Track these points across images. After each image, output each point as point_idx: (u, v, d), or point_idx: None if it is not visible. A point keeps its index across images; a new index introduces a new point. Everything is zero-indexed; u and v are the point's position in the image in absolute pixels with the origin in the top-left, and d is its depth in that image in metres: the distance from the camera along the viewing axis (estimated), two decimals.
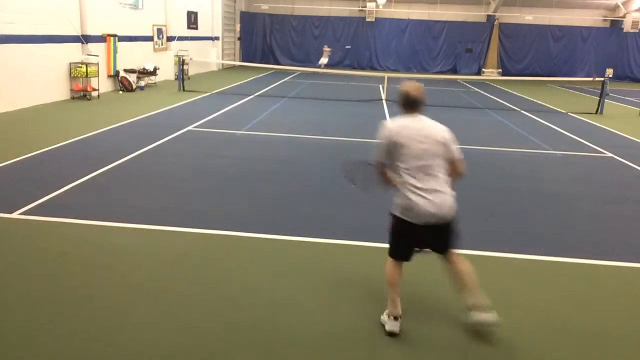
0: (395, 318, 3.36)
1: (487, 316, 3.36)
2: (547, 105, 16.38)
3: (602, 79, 15.28)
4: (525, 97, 18.49)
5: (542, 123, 12.60)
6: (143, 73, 15.90)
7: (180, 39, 19.44)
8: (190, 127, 9.91)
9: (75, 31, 12.93)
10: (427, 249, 3.50)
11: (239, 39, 27.97)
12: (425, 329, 3.49)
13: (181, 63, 15.87)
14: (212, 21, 23.42)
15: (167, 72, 18.47)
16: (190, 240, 4.77)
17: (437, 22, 28.42)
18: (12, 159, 7.13)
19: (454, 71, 28.66)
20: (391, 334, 3.34)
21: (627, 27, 27.47)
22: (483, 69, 28.68)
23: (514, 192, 6.75)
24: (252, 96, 15.00)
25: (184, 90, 15.39)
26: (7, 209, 5.26)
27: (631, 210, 6.23)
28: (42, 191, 5.81)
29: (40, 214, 5.20)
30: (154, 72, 16.37)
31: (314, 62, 28.43)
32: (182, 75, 15.84)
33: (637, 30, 27.52)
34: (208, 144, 8.73)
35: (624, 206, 6.39)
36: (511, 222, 5.65)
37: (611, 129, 12.14)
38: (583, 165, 8.48)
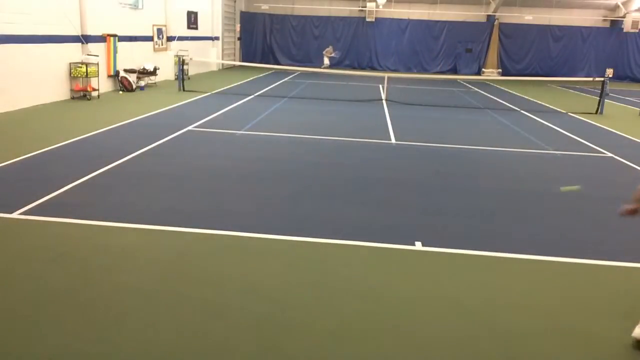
0: None
1: None
2: (547, 105, 16.38)
3: (602, 79, 15.27)
4: (525, 97, 18.50)
5: (542, 123, 12.60)
6: (143, 73, 15.90)
7: (180, 39, 19.44)
8: (190, 127, 9.91)
9: (75, 31, 12.93)
10: None
11: (239, 39, 27.96)
12: None
13: (181, 63, 15.87)
14: (212, 21, 23.41)
15: (167, 72, 18.47)
16: (190, 240, 4.77)
17: (437, 22, 28.42)
18: (12, 159, 7.13)
19: (454, 71, 28.67)
20: None
21: (627, 27, 27.46)
22: (483, 69, 28.68)
23: (514, 192, 6.75)
24: (252, 96, 15.00)
25: (184, 90, 15.39)
26: (7, 209, 5.26)
27: None
28: (42, 191, 5.81)
29: (40, 214, 5.20)
30: (154, 72, 16.36)
31: (314, 62, 28.46)
32: (182, 75, 15.84)
33: (637, 30, 27.51)
34: (208, 144, 8.73)
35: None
36: (511, 222, 5.65)
37: (611, 129, 12.15)
38: (583, 165, 8.48)
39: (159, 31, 17.98)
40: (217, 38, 24.00)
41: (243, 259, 4.43)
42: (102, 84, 13.87)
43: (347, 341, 3.32)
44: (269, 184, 6.63)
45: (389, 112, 13.03)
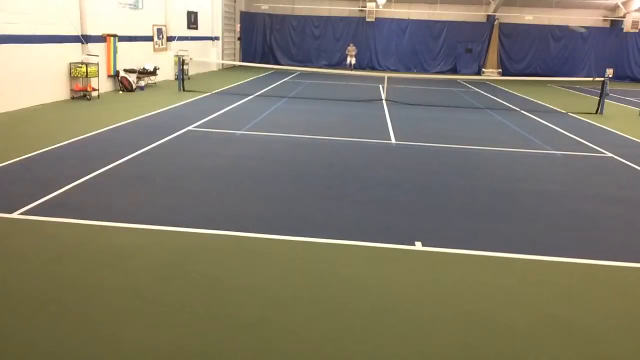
0: None
1: None
2: (547, 105, 16.38)
3: (602, 79, 15.28)
4: (525, 97, 18.50)
5: (542, 123, 12.60)
6: (143, 73, 15.90)
7: (180, 39, 19.44)
8: (190, 127, 9.91)
9: (75, 31, 12.93)
10: None
11: (239, 39, 27.97)
12: None
13: (181, 63, 15.86)
14: (212, 21, 23.42)
15: (167, 72, 18.47)
16: (190, 240, 4.77)
17: (437, 22, 28.43)
18: (12, 159, 7.13)
19: (454, 71, 28.67)
20: None
21: (627, 27, 27.46)
22: (483, 69, 28.69)
23: (514, 192, 6.75)
24: (252, 96, 15.00)
25: (184, 90, 15.39)
26: (7, 209, 5.26)
27: (631, 210, 6.23)
28: (42, 191, 5.81)
29: (40, 214, 5.20)
30: (154, 72, 16.36)
31: (314, 62, 28.46)
32: (182, 75, 15.84)
33: (637, 30, 27.51)
34: (208, 144, 8.73)
35: (624, 206, 6.39)
36: (511, 222, 5.65)
37: (611, 129, 12.15)
38: (583, 165, 8.48)
39: (159, 31, 17.98)
40: (217, 38, 24.00)
41: (243, 259, 4.43)
42: (102, 84, 13.87)
43: (347, 341, 3.32)
44: (269, 184, 6.63)
45: (389, 112, 13.03)
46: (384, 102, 15.16)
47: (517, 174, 7.75)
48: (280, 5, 28.41)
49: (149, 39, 17.21)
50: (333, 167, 7.58)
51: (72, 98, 12.83)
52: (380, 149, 8.94)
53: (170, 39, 18.78)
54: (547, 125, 12.25)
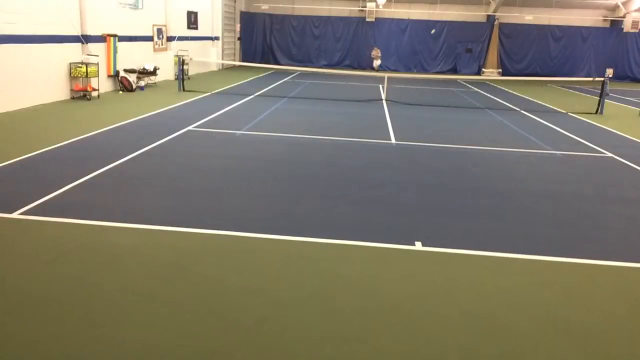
0: None
1: None
2: (547, 105, 16.38)
3: (602, 79, 15.27)
4: (525, 97, 18.50)
5: (542, 123, 12.60)
6: (143, 73, 15.90)
7: (180, 39, 19.44)
8: (190, 127, 9.91)
9: (75, 31, 12.93)
10: None
11: (239, 39, 27.97)
12: None
13: (181, 63, 15.86)
14: (212, 21, 23.41)
15: (167, 72, 18.47)
16: (190, 240, 4.77)
17: (437, 22, 28.42)
18: (12, 159, 7.13)
19: (454, 71, 28.67)
20: None
21: (627, 27, 27.47)
22: (483, 69, 28.68)
23: (514, 192, 6.75)
24: (252, 96, 15.00)
25: (184, 90, 15.39)
26: (7, 209, 5.26)
27: (631, 210, 6.23)
28: (42, 191, 5.81)
29: (40, 214, 5.20)
30: (154, 72, 16.36)
31: (314, 62, 28.46)
32: (182, 75, 15.84)
33: (637, 30, 27.52)
34: (208, 144, 8.73)
35: (624, 206, 6.39)
36: (511, 222, 5.65)
37: (611, 129, 12.15)
38: (583, 165, 8.48)
39: (159, 31, 17.98)
40: (217, 38, 24.00)
41: (243, 259, 4.43)
42: (102, 84, 13.87)
43: (347, 341, 3.32)
44: (269, 184, 6.63)
45: (389, 112, 13.03)
46: (384, 102, 15.16)
47: (517, 174, 7.75)
48: (280, 5, 28.41)
49: (149, 39, 17.21)
50: (333, 167, 7.58)
51: (72, 98, 12.83)
52: (380, 149, 8.94)
53: (170, 39, 18.78)
54: (547, 125, 12.25)
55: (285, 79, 20.81)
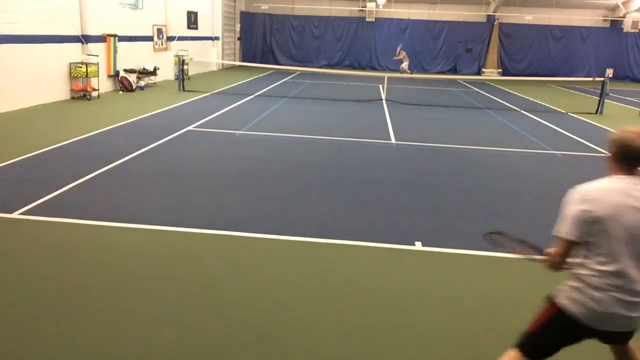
0: None
1: None
2: (547, 105, 16.38)
3: (602, 79, 15.27)
4: (525, 97, 18.49)
5: (542, 123, 12.60)
6: (143, 73, 15.90)
7: (180, 39, 19.44)
8: (190, 127, 9.91)
9: (75, 31, 12.93)
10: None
11: (239, 39, 27.97)
12: None
13: (181, 63, 15.87)
14: (212, 21, 23.41)
15: (167, 72, 18.47)
16: (191, 240, 4.77)
17: (437, 22, 28.42)
18: (12, 159, 7.13)
19: (454, 71, 28.66)
20: None
21: (627, 27, 27.46)
22: (483, 69, 28.68)
23: (514, 192, 6.75)
24: (252, 96, 15.00)
25: (184, 90, 15.39)
26: (7, 209, 5.26)
27: None
28: (42, 191, 5.81)
29: (40, 214, 5.20)
30: (154, 72, 16.36)
31: (314, 62, 28.45)
32: (182, 75, 15.84)
33: (637, 30, 27.51)
34: (208, 144, 8.73)
35: None
36: (511, 222, 5.65)
37: (611, 129, 12.14)
38: (583, 166, 8.48)
39: (159, 31, 17.98)
40: (217, 38, 24.00)
41: (243, 259, 4.43)
42: (102, 84, 13.87)
43: (347, 341, 3.32)
44: (269, 184, 6.63)
45: (389, 112, 13.02)
46: (384, 102, 15.15)
47: (517, 173, 7.75)
48: (280, 5, 28.41)
49: (149, 39, 17.21)
50: (333, 167, 7.58)
51: (72, 98, 12.82)
52: (380, 149, 8.94)
53: (170, 39, 18.78)
54: (547, 125, 12.25)
55: (285, 79, 20.80)
